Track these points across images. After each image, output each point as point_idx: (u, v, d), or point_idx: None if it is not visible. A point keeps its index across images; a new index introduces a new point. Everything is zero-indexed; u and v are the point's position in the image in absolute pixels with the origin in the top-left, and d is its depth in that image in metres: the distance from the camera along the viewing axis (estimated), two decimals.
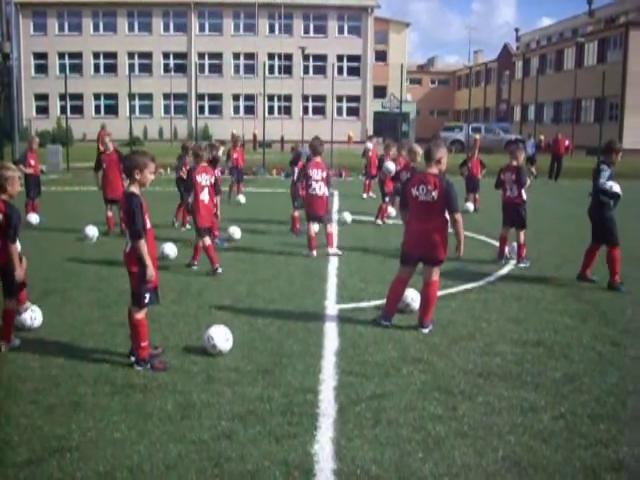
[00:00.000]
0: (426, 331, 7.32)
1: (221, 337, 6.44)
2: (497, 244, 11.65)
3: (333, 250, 11.50)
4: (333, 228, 12.05)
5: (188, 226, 13.64)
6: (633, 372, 6.30)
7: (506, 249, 11.30)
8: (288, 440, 4.75)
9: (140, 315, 6.11)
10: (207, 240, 9.98)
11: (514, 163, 11.22)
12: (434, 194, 7.20)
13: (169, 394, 5.51)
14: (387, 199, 15.50)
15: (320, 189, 11.47)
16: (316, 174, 11.48)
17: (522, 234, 11.07)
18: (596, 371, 6.29)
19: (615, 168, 9.88)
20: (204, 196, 10.07)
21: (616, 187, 9.48)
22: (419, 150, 10.22)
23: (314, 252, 11.47)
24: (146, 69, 60.25)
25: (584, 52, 58.32)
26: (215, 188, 10.45)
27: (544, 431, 4.99)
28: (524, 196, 11.14)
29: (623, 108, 51.26)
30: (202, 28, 61.32)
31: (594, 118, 51.98)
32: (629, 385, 5.95)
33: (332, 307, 8.26)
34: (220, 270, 9.97)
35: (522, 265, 10.97)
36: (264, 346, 6.74)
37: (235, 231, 12.91)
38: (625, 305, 8.65)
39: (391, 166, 14.25)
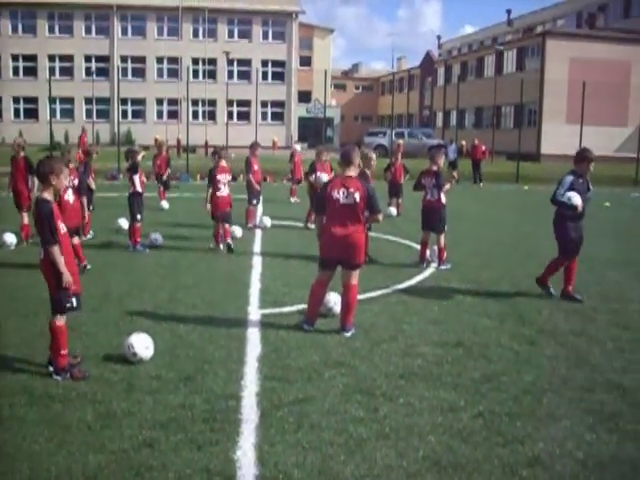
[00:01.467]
0: (348, 335, 7.37)
1: (141, 345, 6.35)
2: (419, 247, 11.80)
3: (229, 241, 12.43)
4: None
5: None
6: (549, 371, 6.48)
7: (427, 252, 11.47)
8: (210, 447, 4.72)
9: (60, 322, 5.99)
10: (75, 239, 9.84)
11: (434, 167, 11.39)
12: (356, 196, 7.29)
13: (89, 404, 5.40)
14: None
15: (226, 191, 12.59)
16: (223, 178, 12.61)
17: (442, 238, 11.26)
18: (514, 370, 6.44)
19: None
20: (68, 197, 10.06)
21: (575, 199, 8.97)
22: (373, 156, 10.87)
23: (221, 246, 12.43)
24: (67, 72, 58.85)
25: (503, 60, 59.70)
26: (80, 188, 10.96)
27: (463, 430, 5.09)
28: (443, 200, 11.33)
29: (541, 114, 52.65)
30: (125, 31, 60.25)
31: (514, 124, 53.21)
32: (545, 383, 6.12)
33: (255, 312, 8.23)
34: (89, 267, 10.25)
35: (443, 268, 11.16)
36: (186, 353, 6.68)
37: (157, 237, 12.78)
38: (542, 306, 8.90)
39: (324, 177, 14.39)
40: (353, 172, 7.45)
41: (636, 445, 4.94)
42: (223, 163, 12.80)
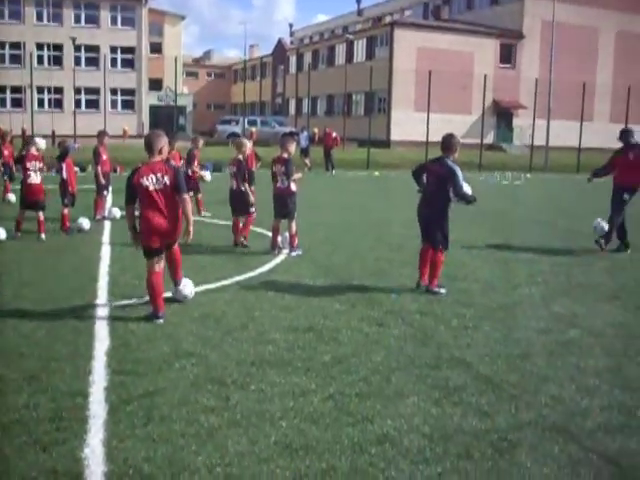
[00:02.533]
0: (161, 321, 7.36)
1: None
2: (270, 235, 11.85)
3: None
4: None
5: None
6: (397, 350, 6.67)
7: (279, 239, 11.54)
8: (56, 447, 4.54)
9: None
10: None
11: (285, 155, 11.44)
12: (166, 180, 7.34)
13: None
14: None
15: (36, 179, 12.58)
16: (33, 165, 12.59)
17: (293, 224, 11.35)
18: (363, 352, 6.59)
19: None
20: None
21: (469, 191, 8.93)
22: (247, 143, 11.87)
23: (43, 235, 12.34)
24: None
25: (354, 49, 60.84)
26: None
27: (314, 413, 5.15)
28: (293, 187, 11.41)
29: (390, 102, 54.08)
30: None
31: (364, 111, 54.40)
32: (393, 362, 6.30)
33: (103, 306, 7.99)
34: None
35: (294, 254, 11.26)
36: (31, 351, 6.39)
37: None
38: (390, 289, 9.13)
39: (207, 176, 15.84)
40: (158, 157, 7.51)
41: (479, 416, 5.18)
42: (33, 151, 12.78)
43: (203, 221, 14.60)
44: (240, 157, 12.13)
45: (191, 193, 15.45)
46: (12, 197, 17.91)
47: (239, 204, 11.96)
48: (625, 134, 12.78)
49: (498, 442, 4.77)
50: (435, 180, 8.96)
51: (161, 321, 7.36)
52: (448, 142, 9.03)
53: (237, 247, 11.85)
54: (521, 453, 4.62)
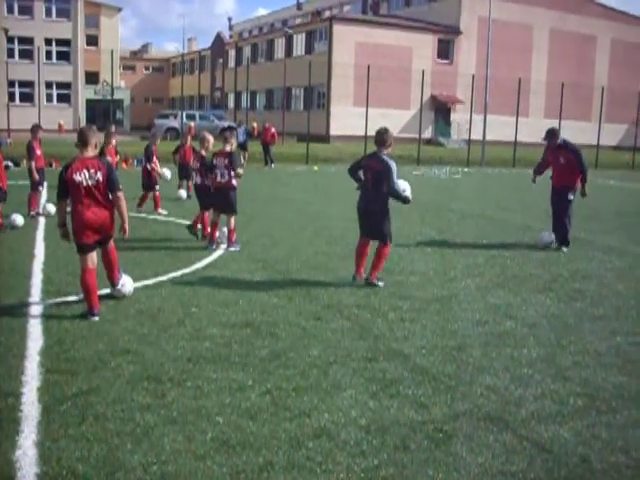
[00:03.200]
0: (96, 319, 7.27)
1: None
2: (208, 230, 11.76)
3: None
4: None
5: None
6: (334, 343, 6.70)
7: (217, 234, 11.45)
8: None
9: None
10: None
11: (227, 148, 11.38)
12: (99, 176, 7.29)
13: None
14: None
15: None
16: None
17: (232, 219, 11.28)
18: (301, 346, 6.60)
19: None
20: None
21: (408, 190, 9.02)
22: (210, 138, 12.18)
23: None
24: None
25: (293, 43, 60.74)
26: None
27: (251, 408, 5.14)
28: (234, 182, 11.34)
29: (330, 97, 54.17)
30: None
31: (304, 106, 54.37)
32: (330, 356, 6.32)
33: (36, 304, 7.80)
34: None
35: (232, 249, 11.19)
36: None
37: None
38: (328, 282, 9.16)
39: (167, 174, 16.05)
40: (91, 152, 7.43)
41: (415, 408, 5.23)
42: None
43: (139, 217, 14.41)
44: (203, 152, 12.12)
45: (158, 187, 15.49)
46: None
47: (205, 198, 11.89)
48: (549, 135, 12.73)
49: (434, 433, 4.83)
50: (372, 176, 8.99)
51: (96, 318, 7.24)
52: (381, 137, 9.03)
53: (212, 246, 11.48)
54: (457, 443, 4.69)
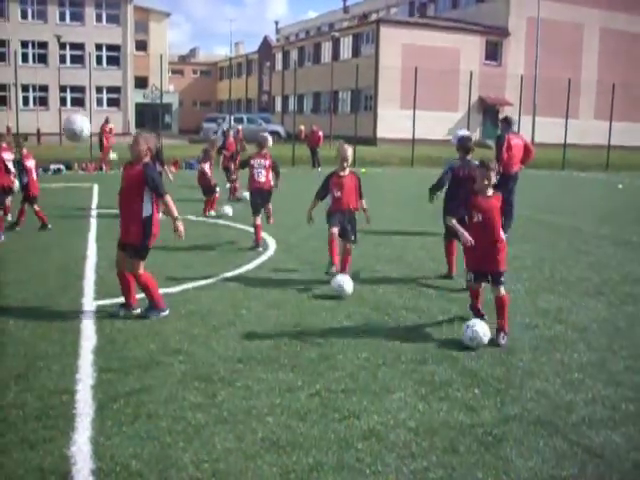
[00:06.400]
0: (166, 313, 7.43)
1: None
2: (252, 231, 11.91)
3: None
4: None
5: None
6: (384, 346, 6.70)
7: (261, 235, 11.67)
8: (43, 445, 4.54)
9: None
10: None
11: (266, 151, 11.77)
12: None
13: None
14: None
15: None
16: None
17: (270, 206, 11.78)
18: (350, 348, 6.62)
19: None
20: None
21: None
22: (269, 138, 12.24)
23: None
24: None
25: (340, 46, 60.76)
26: None
27: (301, 409, 5.18)
28: (272, 182, 11.74)
29: (377, 99, 54.08)
30: None
31: (351, 109, 54.37)
32: (379, 358, 6.33)
33: (89, 304, 7.96)
34: None
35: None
36: (17, 350, 6.38)
37: None
38: (377, 285, 9.18)
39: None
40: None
41: (464, 411, 5.22)
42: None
43: (189, 219, 14.57)
44: (265, 152, 12.14)
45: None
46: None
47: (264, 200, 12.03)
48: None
49: (484, 436, 4.81)
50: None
51: (167, 312, 7.43)
52: (468, 144, 9.66)
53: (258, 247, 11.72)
54: (506, 447, 4.66)
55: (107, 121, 30.42)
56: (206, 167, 15.79)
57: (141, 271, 7.38)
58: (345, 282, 8.50)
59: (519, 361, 6.37)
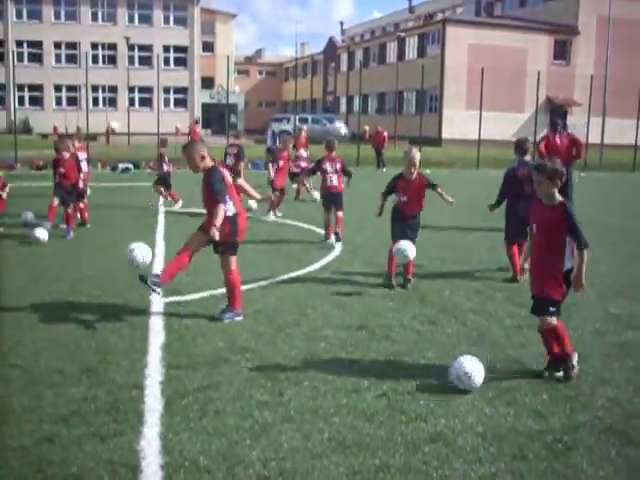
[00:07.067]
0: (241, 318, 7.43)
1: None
2: (320, 231, 11.99)
3: None
4: None
5: None
6: (449, 348, 6.64)
7: (331, 232, 12.07)
8: (113, 439, 4.63)
9: None
10: None
11: (335, 154, 12.20)
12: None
13: None
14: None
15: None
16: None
17: (340, 214, 12.07)
18: (416, 350, 6.58)
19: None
20: None
21: None
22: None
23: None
24: None
25: (405, 46, 60.52)
26: None
27: (367, 410, 5.17)
28: (343, 184, 12.14)
29: (442, 100, 53.70)
30: (20, 15, 58.08)
31: (416, 109, 54.11)
32: (446, 361, 6.24)
33: (158, 301, 8.09)
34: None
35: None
36: (88, 345, 6.52)
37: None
38: (443, 287, 9.11)
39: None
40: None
41: (533, 417, 5.13)
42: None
43: (256, 218, 14.68)
44: (334, 155, 12.33)
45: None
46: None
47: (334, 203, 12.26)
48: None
49: (553, 443, 4.72)
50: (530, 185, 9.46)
51: (241, 318, 7.44)
52: (525, 145, 9.91)
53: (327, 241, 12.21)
54: (577, 455, 4.56)
55: (197, 122, 31.06)
56: (271, 167, 15.91)
57: (233, 267, 7.43)
58: (409, 248, 8.57)
59: (589, 367, 6.23)
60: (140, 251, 7.87)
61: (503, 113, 49.77)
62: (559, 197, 5.92)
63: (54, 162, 12.70)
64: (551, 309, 5.88)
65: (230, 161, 16.01)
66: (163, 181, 16.78)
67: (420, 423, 4.98)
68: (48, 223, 12.34)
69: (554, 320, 5.89)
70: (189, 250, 7.40)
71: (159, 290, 7.34)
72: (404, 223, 9.24)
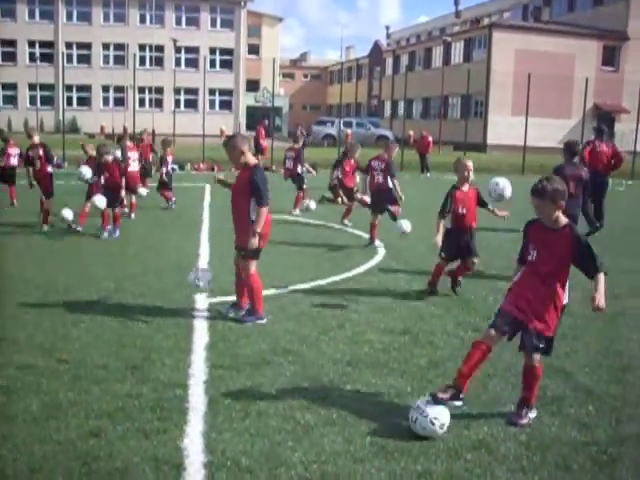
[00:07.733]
0: (265, 321, 7.43)
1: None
2: (364, 235, 11.97)
3: None
4: None
5: None
6: (493, 356, 6.53)
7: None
8: (158, 435, 4.70)
9: None
10: None
11: (386, 155, 12.28)
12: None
13: (34, 395, 5.31)
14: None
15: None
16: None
17: (394, 207, 12.21)
18: (459, 356, 6.49)
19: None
20: None
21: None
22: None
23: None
24: (10, 58, 57.55)
25: (451, 51, 60.14)
26: None
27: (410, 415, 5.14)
28: (390, 184, 12.11)
29: (487, 105, 53.27)
30: (70, 16, 59.02)
31: (461, 115, 53.77)
32: (490, 369, 6.20)
33: (202, 301, 8.19)
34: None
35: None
36: (133, 342, 6.62)
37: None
38: (488, 294, 9.03)
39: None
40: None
41: (577, 427, 5.07)
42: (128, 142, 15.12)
43: (299, 221, 14.75)
44: (386, 155, 12.42)
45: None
46: (144, 191, 17.84)
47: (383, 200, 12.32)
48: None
49: (598, 455, 4.65)
50: (575, 184, 9.96)
51: (264, 321, 7.45)
52: (574, 148, 10.47)
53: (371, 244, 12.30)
54: (622, 468, 4.50)
55: (263, 124, 31.41)
56: (338, 172, 15.81)
57: (252, 271, 7.47)
58: (506, 187, 8.90)
59: (637, 379, 6.14)
60: (205, 275, 7.76)
61: (549, 119, 49.19)
62: (564, 219, 5.25)
63: (98, 166, 12.83)
64: (542, 346, 5.29)
65: (289, 164, 17.09)
66: (167, 183, 16.87)
67: (462, 430, 4.95)
68: (79, 227, 12.66)
69: (539, 361, 5.30)
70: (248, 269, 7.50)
71: (265, 320, 7.46)
72: (462, 237, 8.90)
